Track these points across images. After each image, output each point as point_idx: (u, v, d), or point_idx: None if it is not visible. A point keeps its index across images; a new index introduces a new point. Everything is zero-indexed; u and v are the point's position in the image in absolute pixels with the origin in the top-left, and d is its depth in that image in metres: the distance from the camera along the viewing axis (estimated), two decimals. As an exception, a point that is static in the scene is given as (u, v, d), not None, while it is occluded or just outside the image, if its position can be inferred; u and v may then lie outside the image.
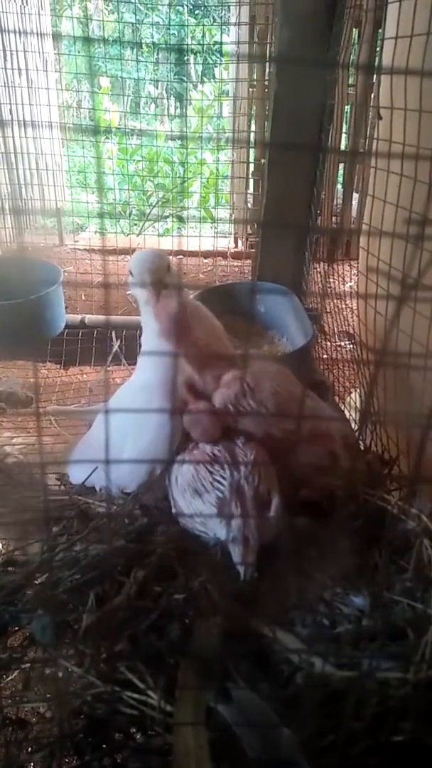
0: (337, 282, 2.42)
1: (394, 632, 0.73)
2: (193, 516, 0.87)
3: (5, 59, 3.33)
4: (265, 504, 0.86)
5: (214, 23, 5.07)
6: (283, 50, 1.88)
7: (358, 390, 1.78)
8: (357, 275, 1.89)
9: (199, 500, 0.88)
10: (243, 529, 0.81)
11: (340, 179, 3.59)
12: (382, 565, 0.85)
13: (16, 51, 3.47)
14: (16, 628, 0.78)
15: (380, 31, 2.75)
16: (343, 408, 1.74)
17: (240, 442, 0.94)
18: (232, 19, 3.58)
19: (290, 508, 0.88)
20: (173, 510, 0.93)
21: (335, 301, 2.06)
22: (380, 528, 0.91)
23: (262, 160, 3.10)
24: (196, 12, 5.95)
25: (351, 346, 2.10)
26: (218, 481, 0.88)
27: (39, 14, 3.83)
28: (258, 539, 0.81)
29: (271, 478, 0.90)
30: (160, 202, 4.23)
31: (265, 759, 0.59)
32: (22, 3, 3.57)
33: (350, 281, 2.78)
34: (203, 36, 4.34)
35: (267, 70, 3.25)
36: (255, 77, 3.46)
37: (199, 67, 5.27)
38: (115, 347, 1.94)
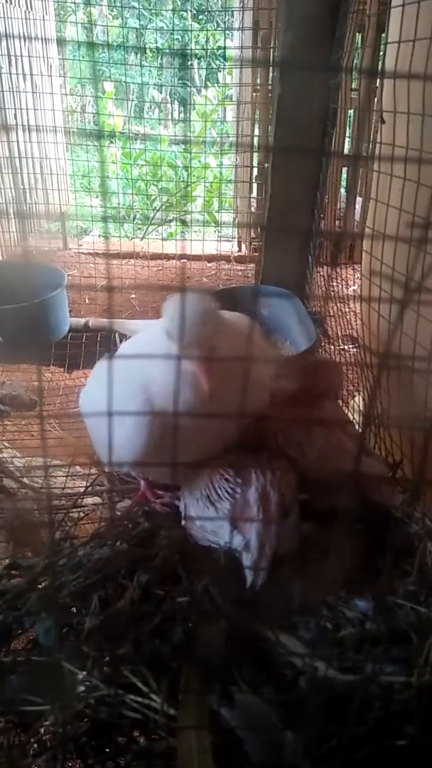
0: (340, 285, 2.42)
1: (398, 636, 0.73)
2: (205, 525, 0.86)
3: (10, 64, 3.34)
4: (286, 513, 0.85)
5: (218, 28, 5.08)
6: (286, 55, 1.88)
7: (361, 393, 1.78)
8: (360, 278, 1.89)
9: (212, 509, 0.87)
10: (261, 535, 0.80)
11: (344, 183, 3.60)
12: (385, 568, 0.85)
13: (21, 56, 3.49)
14: (20, 632, 0.79)
15: (383, 35, 2.76)
16: (347, 411, 1.74)
17: (266, 455, 0.94)
18: (236, 24, 3.60)
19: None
20: (183, 517, 0.92)
21: (339, 304, 2.06)
22: (384, 531, 0.91)
23: (266, 164, 3.11)
24: (200, 17, 5.97)
25: (354, 349, 2.10)
26: (234, 490, 0.87)
27: (43, 19, 3.85)
28: (274, 546, 0.80)
29: (293, 489, 0.89)
30: (163, 206, 4.25)
31: (268, 762, 0.59)
32: (27, 8, 3.59)
33: (353, 284, 2.79)
34: (207, 41, 4.36)
35: (270, 74, 3.26)
36: (258, 81, 3.47)
37: (203, 72, 5.29)
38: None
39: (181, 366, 0.82)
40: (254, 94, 3.48)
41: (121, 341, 1.82)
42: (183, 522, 0.91)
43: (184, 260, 3.61)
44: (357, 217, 3.58)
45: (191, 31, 4.88)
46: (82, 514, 1.09)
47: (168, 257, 3.53)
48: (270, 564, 0.79)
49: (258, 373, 0.90)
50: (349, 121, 3.48)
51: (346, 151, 3.29)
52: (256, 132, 3.55)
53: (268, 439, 0.97)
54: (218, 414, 0.83)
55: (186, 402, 0.83)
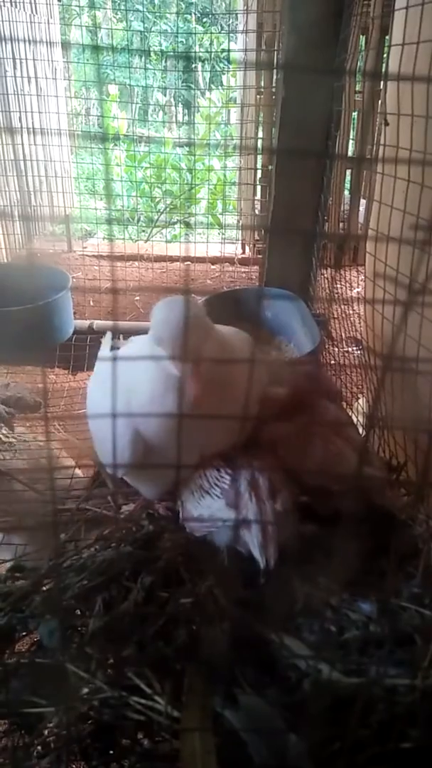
0: (344, 287, 2.42)
1: (402, 638, 0.73)
2: (202, 513, 0.87)
3: (15, 67, 3.36)
4: (277, 498, 0.86)
5: (222, 31, 5.10)
6: (290, 57, 1.89)
7: (365, 395, 1.78)
8: (364, 281, 1.89)
9: (207, 497, 0.89)
10: (260, 517, 0.81)
11: (347, 185, 3.60)
12: (389, 571, 0.84)
13: (26, 59, 3.50)
14: (24, 633, 0.79)
15: (387, 37, 2.77)
16: (350, 413, 1.74)
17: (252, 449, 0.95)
18: (240, 27, 3.61)
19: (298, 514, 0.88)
20: (181, 516, 0.93)
21: (342, 306, 2.06)
22: (388, 534, 0.91)
23: (270, 167, 3.12)
24: (204, 20, 5.99)
25: (358, 351, 2.10)
26: (224, 478, 0.89)
27: (48, 23, 3.87)
28: (275, 528, 0.81)
29: (281, 478, 0.90)
30: (167, 209, 4.25)
31: (272, 765, 0.59)
32: (32, 12, 3.61)
33: (357, 287, 2.79)
34: (211, 44, 4.37)
35: (274, 77, 3.27)
36: (262, 84, 3.48)
37: (207, 75, 5.30)
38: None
39: (169, 373, 0.83)
40: (258, 96, 3.48)
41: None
42: (181, 520, 0.92)
43: (188, 263, 3.62)
44: (361, 219, 3.58)
45: (195, 34, 4.89)
46: (86, 517, 1.09)
47: (172, 259, 3.53)
48: (276, 541, 0.80)
49: (243, 383, 0.87)
50: (353, 124, 3.48)
51: (350, 153, 3.29)
52: (260, 134, 3.56)
53: (265, 447, 0.98)
54: (201, 415, 0.83)
55: (170, 410, 0.84)
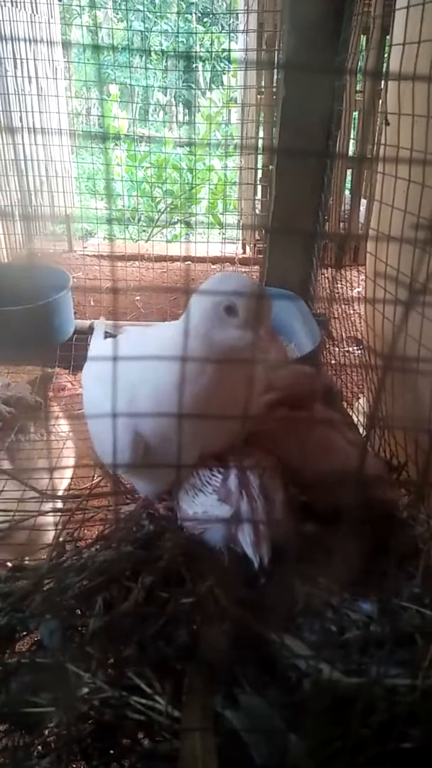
0: (344, 287, 2.42)
1: (402, 638, 0.73)
2: (197, 511, 0.88)
3: (15, 67, 3.36)
4: (269, 496, 0.86)
5: (223, 31, 5.09)
6: (290, 57, 1.88)
7: (366, 395, 1.78)
8: (364, 280, 1.89)
9: (201, 494, 0.90)
10: (251, 515, 0.82)
11: (348, 185, 3.60)
12: (390, 571, 0.84)
13: (27, 59, 3.50)
14: (24, 633, 0.79)
15: (388, 37, 2.77)
16: (351, 413, 1.74)
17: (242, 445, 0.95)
18: (240, 27, 3.61)
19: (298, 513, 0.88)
20: (178, 517, 0.93)
21: (343, 306, 2.06)
22: (388, 533, 0.91)
23: (270, 167, 3.12)
24: (205, 20, 5.99)
25: (359, 351, 2.10)
26: (215, 476, 0.90)
27: (49, 23, 3.87)
28: (266, 526, 0.81)
29: (272, 471, 0.90)
30: (168, 209, 4.25)
31: (272, 765, 0.59)
32: (33, 12, 3.61)
33: (358, 286, 2.79)
34: (212, 43, 4.37)
35: (275, 76, 3.27)
36: (263, 84, 3.48)
37: (208, 75, 5.30)
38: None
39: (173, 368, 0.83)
40: (259, 96, 3.48)
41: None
42: (179, 521, 0.92)
43: (189, 262, 3.62)
44: (361, 219, 3.58)
45: (196, 33, 4.88)
46: (86, 516, 1.09)
47: (172, 259, 3.53)
48: (268, 539, 0.80)
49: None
50: (354, 123, 3.48)
51: (350, 153, 3.30)
52: (261, 134, 3.56)
53: (258, 443, 0.98)
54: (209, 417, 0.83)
55: (188, 401, 0.84)
